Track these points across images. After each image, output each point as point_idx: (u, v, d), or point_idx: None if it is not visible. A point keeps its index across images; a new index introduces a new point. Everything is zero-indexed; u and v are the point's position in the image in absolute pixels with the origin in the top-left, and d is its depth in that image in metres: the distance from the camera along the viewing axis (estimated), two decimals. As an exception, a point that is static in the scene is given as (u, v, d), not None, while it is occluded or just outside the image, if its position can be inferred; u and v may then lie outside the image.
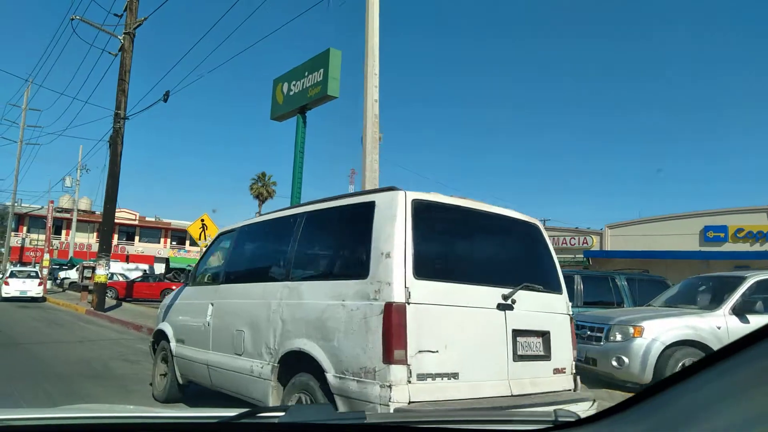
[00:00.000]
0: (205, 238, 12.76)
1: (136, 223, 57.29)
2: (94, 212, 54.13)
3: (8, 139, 41.07)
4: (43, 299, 23.97)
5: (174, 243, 59.51)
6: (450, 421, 1.40)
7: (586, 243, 40.01)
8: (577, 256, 39.56)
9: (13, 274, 23.50)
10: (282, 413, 1.26)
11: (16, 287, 22.94)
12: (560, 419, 1.17)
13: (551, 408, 1.34)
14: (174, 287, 27.20)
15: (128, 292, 26.20)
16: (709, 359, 0.79)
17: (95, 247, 53.65)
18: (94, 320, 16.42)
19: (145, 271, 36.01)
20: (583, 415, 1.11)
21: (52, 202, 35.88)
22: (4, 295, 22.65)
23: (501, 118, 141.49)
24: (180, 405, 5.55)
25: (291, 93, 42.53)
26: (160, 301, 23.71)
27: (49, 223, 33.04)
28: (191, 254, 59.09)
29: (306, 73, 41.68)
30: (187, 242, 60.07)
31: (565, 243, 41.10)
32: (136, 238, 57.88)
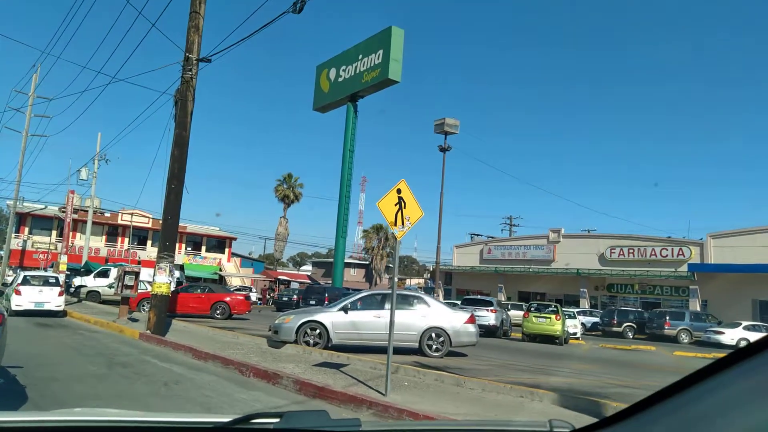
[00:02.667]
0: (402, 222, 7.34)
1: (149, 226, 51.60)
2: (103, 213, 48.52)
3: (13, 129, 35.24)
4: (63, 313, 18.37)
5: (189, 249, 53.79)
6: (445, 430, 1.60)
7: (682, 254, 34.62)
8: (678, 270, 34.27)
9: (26, 281, 17.84)
10: (277, 419, 1.24)
11: (30, 298, 17.31)
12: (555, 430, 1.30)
13: (545, 419, 1.39)
14: (227, 299, 21.64)
15: (171, 305, 20.55)
16: (731, 358, 0.79)
17: (103, 251, 48.34)
18: (165, 353, 10.91)
19: (179, 278, 30.30)
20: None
21: (73, 192, 30.23)
22: (14, 308, 17.00)
23: (587, 121, 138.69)
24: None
25: (340, 79, 36.59)
26: (211, 317, 18.19)
27: (68, 218, 27.33)
28: (207, 261, 53.63)
29: (360, 56, 35.72)
30: (203, 248, 54.57)
31: (654, 255, 35.87)
32: (149, 242, 52.14)
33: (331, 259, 68.69)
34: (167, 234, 13.45)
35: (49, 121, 40.84)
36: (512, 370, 12.11)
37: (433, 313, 12.67)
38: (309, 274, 64.12)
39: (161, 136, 55.77)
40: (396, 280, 7.74)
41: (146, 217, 50.99)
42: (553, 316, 20.60)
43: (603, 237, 39.55)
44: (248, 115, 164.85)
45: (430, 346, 12.45)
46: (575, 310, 28.26)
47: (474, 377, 9.05)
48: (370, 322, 12.30)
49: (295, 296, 32.81)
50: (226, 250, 55.22)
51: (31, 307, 17.23)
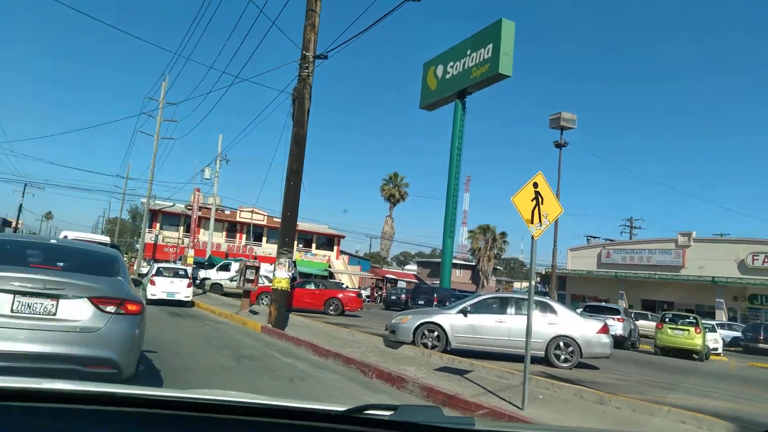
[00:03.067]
0: (540, 219, 6.61)
1: (264, 223, 54.29)
2: (223, 210, 51.72)
3: (146, 133, 38.41)
4: (191, 304, 19.48)
5: (300, 245, 55.86)
6: None
7: None
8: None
9: (159, 272, 19.14)
10: (391, 412, 1.25)
11: (163, 288, 18.53)
12: None
13: None
14: (340, 295, 21.84)
15: (288, 299, 21.11)
16: None
17: (224, 247, 51.43)
18: (286, 347, 10.97)
19: (294, 273, 31.29)
20: None
21: (198, 190, 32.28)
22: (149, 296, 18.28)
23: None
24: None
25: (447, 76, 35.66)
26: (324, 312, 18.26)
27: (194, 215, 29.16)
28: (317, 258, 55.34)
29: (468, 51, 34.52)
30: (314, 245, 56.40)
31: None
32: (264, 239, 54.88)
33: (436, 259, 68.11)
34: (286, 230, 13.64)
35: (177, 125, 44.20)
36: (655, 387, 10.81)
37: (561, 321, 11.68)
38: (415, 273, 64.02)
39: (279, 135, 58.46)
40: (533, 283, 7.02)
41: (262, 215, 53.69)
42: (692, 329, 18.47)
43: (742, 242, 35.35)
44: (354, 115, 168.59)
45: (557, 356, 11.49)
46: (713, 322, 25.35)
47: (617, 394, 8.06)
48: (492, 326, 11.60)
49: (403, 295, 32.67)
50: (335, 247, 56.67)
51: (164, 296, 18.44)
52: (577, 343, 11.49)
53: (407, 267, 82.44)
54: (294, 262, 50.16)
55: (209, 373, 7.55)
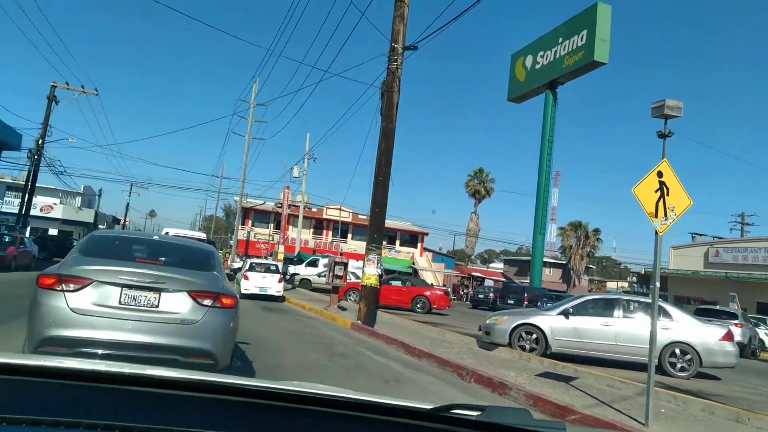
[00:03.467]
0: (665, 212, 5.81)
1: (350, 220, 54.96)
2: (310, 208, 52.92)
3: (238, 134, 39.96)
4: (282, 299, 19.87)
5: (384, 242, 55.86)
6: None
7: None
8: None
9: (252, 267, 19.68)
10: (478, 412, 1.24)
11: (255, 283, 19.03)
12: None
13: None
14: (427, 293, 21.45)
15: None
16: None
17: (311, 243, 52.65)
18: (378, 345, 10.71)
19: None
20: None
21: (288, 188, 33.16)
22: (243, 291, 18.82)
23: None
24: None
25: (537, 66, 33.98)
26: (411, 310, 17.89)
27: (284, 212, 29.94)
28: (401, 255, 55.26)
29: (560, 39, 32.64)
30: (397, 242, 56.38)
31: None
32: (349, 236, 55.59)
33: (523, 257, 65.94)
34: (375, 225, 13.42)
35: (267, 125, 45.67)
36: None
37: (677, 326, 10.56)
38: (502, 271, 62.35)
39: (366, 131, 59.09)
40: (657, 285, 6.20)
41: (348, 212, 54.45)
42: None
43: None
44: (437, 110, 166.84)
45: (673, 365, 10.39)
46: None
47: (755, 411, 7.02)
48: (597, 330, 10.70)
49: (491, 294, 31.71)
50: (419, 244, 56.34)
51: (257, 291, 18.93)
52: (695, 350, 10.33)
53: (492, 265, 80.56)
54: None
55: (302, 369, 7.40)
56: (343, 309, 16.98)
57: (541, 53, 34.01)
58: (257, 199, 50.27)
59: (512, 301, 27.85)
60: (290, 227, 49.04)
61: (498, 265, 74.69)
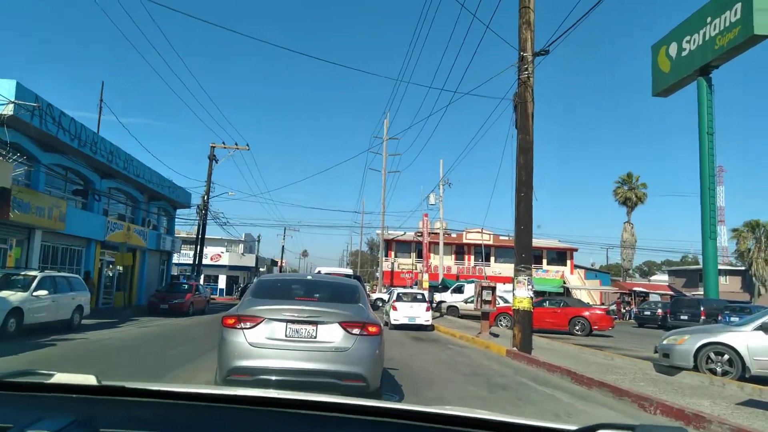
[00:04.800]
0: None
1: (491, 243, 53.66)
2: (449, 233, 52.68)
3: (375, 169, 41.25)
4: (431, 328, 19.67)
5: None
6: None
7: None
8: None
9: (399, 298, 19.79)
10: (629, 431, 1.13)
11: (404, 313, 19.07)
12: None
13: None
14: (586, 313, 19.86)
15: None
16: None
17: (453, 269, 52.21)
18: (539, 374, 9.94)
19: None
20: None
21: (426, 215, 33.43)
22: (393, 321, 18.96)
23: None
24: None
25: (684, 53, 30.26)
26: (569, 333, 16.54)
27: (425, 240, 30.10)
28: (549, 274, 52.45)
29: (708, 19, 28.82)
30: (544, 261, 53.67)
31: None
32: (492, 259, 54.17)
33: (691, 266, 59.04)
34: (522, 244, 12.70)
35: (400, 158, 46.73)
36: None
37: None
38: (668, 284, 56.34)
39: (502, 148, 57.92)
40: None
41: (488, 234, 53.29)
42: None
43: None
44: (575, 117, 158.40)
45: None
46: None
47: None
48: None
49: (659, 310, 28.56)
50: (568, 261, 53.10)
51: (405, 321, 18.95)
52: None
53: (654, 278, 73.26)
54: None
55: (461, 403, 6.99)
56: (496, 335, 16.27)
57: (687, 38, 30.84)
58: (397, 230, 51.29)
59: (686, 317, 24.76)
60: (431, 255, 49.20)
61: (661, 278, 67.75)
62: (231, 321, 5.46)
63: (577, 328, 19.62)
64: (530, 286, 12.51)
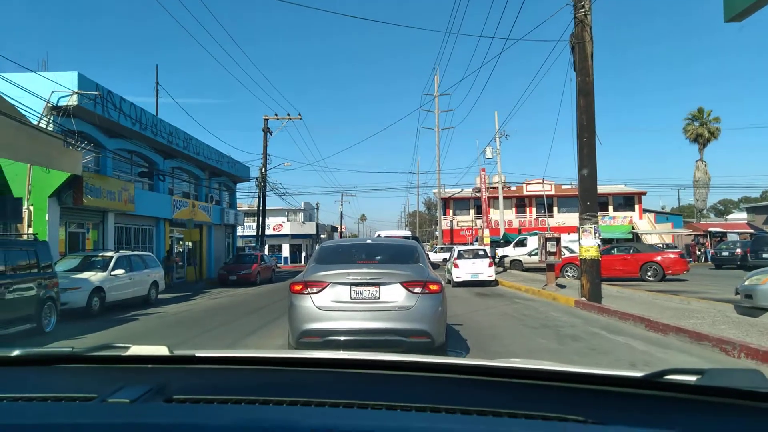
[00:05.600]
0: None
1: (553, 193, 52.12)
2: (509, 187, 51.53)
3: (428, 128, 40.61)
4: (495, 283, 19.49)
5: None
6: None
7: None
8: None
9: (460, 255, 19.65)
10: (698, 376, 1.11)
11: (466, 270, 18.95)
12: None
13: None
14: (658, 258, 19.03)
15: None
16: None
17: (515, 223, 51.24)
18: (610, 323, 9.66)
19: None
20: None
21: (484, 170, 32.87)
22: (455, 279, 18.92)
23: None
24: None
25: None
26: (641, 279, 15.88)
27: (484, 195, 29.66)
28: (617, 221, 50.53)
29: None
30: (610, 208, 51.70)
31: None
32: (555, 209, 52.74)
33: (771, 202, 55.14)
34: (586, 192, 12.18)
35: (453, 114, 45.78)
36: None
37: None
38: (747, 222, 53.13)
39: (560, 95, 55.61)
40: None
41: (549, 184, 51.75)
42: None
43: None
44: (636, 53, 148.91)
45: None
46: None
47: None
48: None
49: (738, 250, 27.00)
50: (636, 206, 50.90)
51: (468, 278, 18.85)
52: None
53: (731, 216, 69.16)
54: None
55: (531, 356, 6.87)
56: (562, 287, 15.90)
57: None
58: (454, 188, 50.70)
59: (768, 255, 23.30)
60: (491, 210, 48.41)
61: (739, 216, 63.90)
62: (298, 287, 5.68)
63: (649, 273, 18.85)
64: (597, 234, 12.05)
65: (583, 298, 11.91)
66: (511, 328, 9.29)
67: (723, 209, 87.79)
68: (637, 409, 1.13)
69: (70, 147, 15.41)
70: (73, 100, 14.91)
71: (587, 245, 11.91)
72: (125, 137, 19.05)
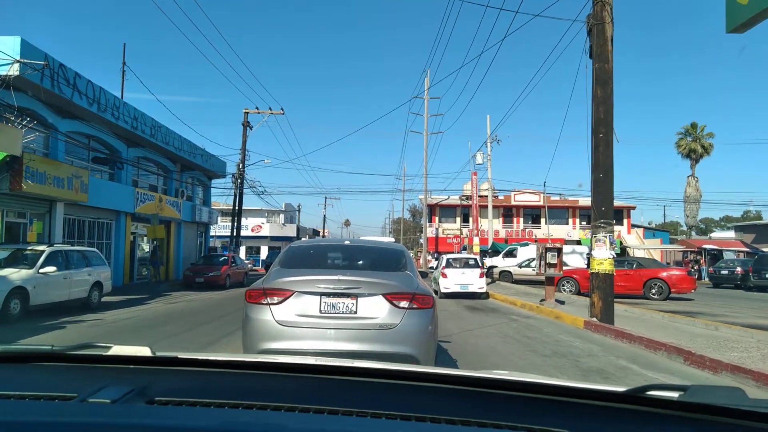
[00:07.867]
0: None
1: (540, 203, 50.88)
2: (496, 195, 50.19)
3: (416, 132, 39.01)
4: (486, 295, 17.82)
5: (583, 223, 50.72)
6: None
7: None
8: None
9: (449, 264, 17.93)
10: (680, 392, 1.12)
11: (455, 280, 17.24)
12: None
13: None
14: (663, 274, 17.39)
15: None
16: None
17: (502, 233, 49.85)
18: (636, 353, 7.99)
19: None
20: None
21: (475, 174, 31.31)
22: (443, 290, 17.20)
23: None
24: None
25: None
26: (644, 297, 14.14)
27: (475, 201, 28.11)
28: (604, 235, 49.43)
29: None
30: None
31: None
32: (542, 220, 51.47)
33: (759, 222, 54.53)
34: (602, 196, 10.56)
35: (442, 118, 44.26)
36: None
37: None
38: (733, 240, 52.42)
39: (549, 102, 54.63)
40: None
41: (536, 194, 50.53)
42: None
43: None
44: (630, 62, 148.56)
45: None
46: None
47: None
48: None
49: (738, 268, 25.72)
50: (625, 221, 49.86)
51: (457, 289, 17.17)
52: None
53: (714, 235, 68.71)
54: (578, 241, 45.80)
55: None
56: (562, 303, 14.28)
57: (768, -39, 26.98)
58: (441, 194, 49.19)
59: (773, 275, 22.03)
60: (479, 218, 46.94)
61: (721, 234, 63.39)
62: (255, 295, 4.63)
63: (654, 291, 17.34)
64: (613, 245, 10.42)
65: (594, 319, 10.27)
66: (518, 354, 7.57)
67: (704, 228, 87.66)
68: (621, 423, 1.13)
69: (9, 124, 13.43)
70: (14, 70, 12.91)
71: (600, 257, 10.29)
72: (81, 119, 17.03)
